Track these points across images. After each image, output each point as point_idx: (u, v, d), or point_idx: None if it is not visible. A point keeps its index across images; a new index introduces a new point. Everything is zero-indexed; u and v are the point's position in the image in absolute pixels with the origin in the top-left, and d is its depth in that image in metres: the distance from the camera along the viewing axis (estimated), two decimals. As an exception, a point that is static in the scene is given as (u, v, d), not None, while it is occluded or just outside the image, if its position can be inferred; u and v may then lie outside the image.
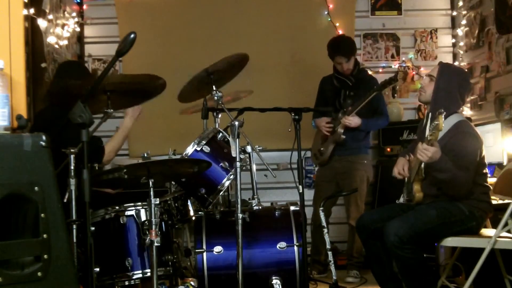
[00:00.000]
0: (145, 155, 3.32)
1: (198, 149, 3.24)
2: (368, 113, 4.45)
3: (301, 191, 3.19)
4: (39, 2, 4.33)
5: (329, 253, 3.67)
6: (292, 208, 3.36)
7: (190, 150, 3.24)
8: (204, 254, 3.18)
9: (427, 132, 3.01)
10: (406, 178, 3.43)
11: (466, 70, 4.88)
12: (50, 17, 4.53)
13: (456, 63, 5.36)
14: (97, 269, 2.97)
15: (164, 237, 3.02)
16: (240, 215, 2.92)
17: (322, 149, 4.61)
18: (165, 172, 3.00)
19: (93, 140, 2.53)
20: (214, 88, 3.47)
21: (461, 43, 5.37)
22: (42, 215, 1.99)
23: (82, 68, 3.72)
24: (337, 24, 5.46)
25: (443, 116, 2.85)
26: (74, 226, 2.53)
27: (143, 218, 3.08)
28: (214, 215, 3.35)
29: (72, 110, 2.22)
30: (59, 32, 4.76)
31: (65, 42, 4.94)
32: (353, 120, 4.36)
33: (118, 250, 3.09)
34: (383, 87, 4.30)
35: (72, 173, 2.53)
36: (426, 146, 3.00)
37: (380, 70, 5.47)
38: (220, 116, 3.56)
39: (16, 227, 1.99)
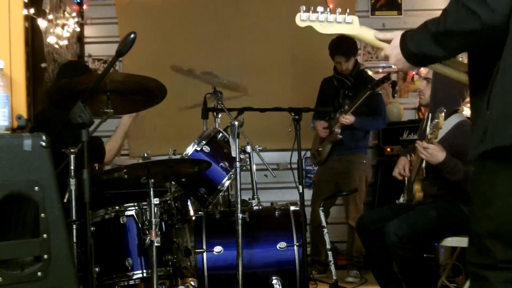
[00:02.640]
0: (145, 155, 3.33)
1: (198, 149, 3.23)
2: (366, 113, 4.46)
3: (301, 191, 3.20)
4: (39, 2, 4.32)
5: (329, 253, 3.67)
6: (292, 208, 3.36)
7: (190, 150, 3.24)
8: (204, 254, 3.18)
9: (428, 131, 3.02)
10: (406, 178, 3.43)
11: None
12: (50, 17, 4.53)
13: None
14: (97, 269, 2.97)
15: (164, 237, 3.01)
16: (240, 215, 2.92)
17: (320, 149, 4.64)
18: (165, 172, 3.00)
19: (93, 140, 2.53)
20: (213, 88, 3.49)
21: (461, 43, 5.36)
22: (42, 215, 1.98)
23: (85, 68, 3.72)
24: (337, 24, 5.45)
25: (443, 114, 2.85)
26: (74, 226, 2.53)
27: (143, 218, 3.08)
28: (214, 215, 3.35)
29: (72, 110, 2.22)
30: (59, 32, 4.76)
31: (65, 42, 4.93)
32: (349, 119, 4.39)
33: (118, 250, 3.09)
34: (376, 85, 4.32)
35: (72, 173, 2.53)
36: (426, 144, 3.01)
37: (380, 70, 5.46)
38: (220, 116, 3.56)
39: (16, 227, 1.98)
